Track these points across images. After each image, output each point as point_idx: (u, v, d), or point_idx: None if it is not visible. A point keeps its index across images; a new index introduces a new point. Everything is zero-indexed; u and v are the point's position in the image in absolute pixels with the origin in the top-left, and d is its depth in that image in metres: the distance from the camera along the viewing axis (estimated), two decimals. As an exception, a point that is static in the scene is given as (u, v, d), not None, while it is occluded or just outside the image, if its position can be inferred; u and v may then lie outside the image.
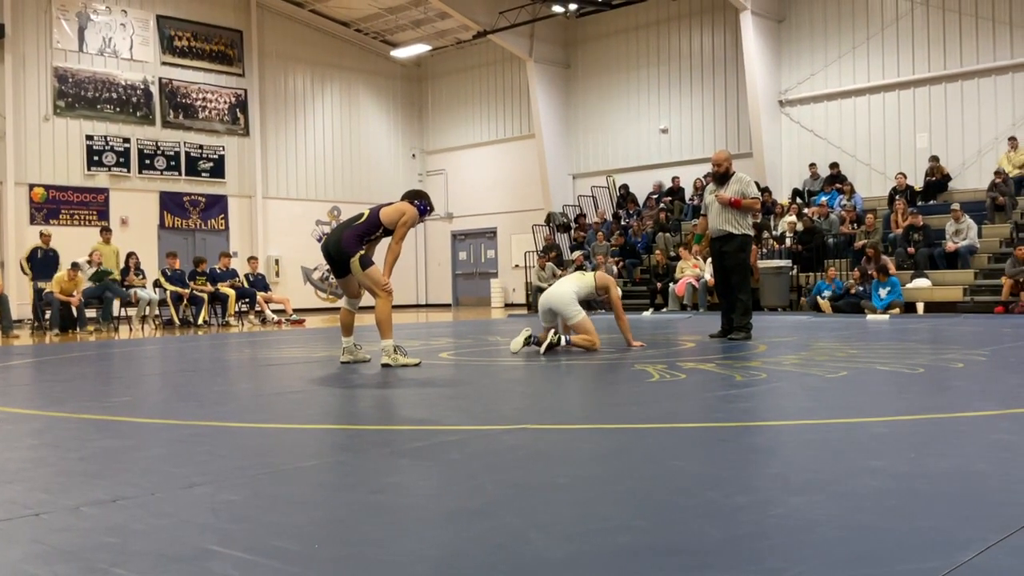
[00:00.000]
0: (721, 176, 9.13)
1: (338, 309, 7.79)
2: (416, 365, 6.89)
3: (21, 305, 17.24)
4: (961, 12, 17.70)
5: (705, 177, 20.53)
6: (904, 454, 3.23)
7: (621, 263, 19.64)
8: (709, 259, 17.27)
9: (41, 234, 16.64)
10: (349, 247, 6.95)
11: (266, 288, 18.31)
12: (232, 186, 23.30)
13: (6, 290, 14.90)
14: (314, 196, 25.06)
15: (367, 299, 7.27)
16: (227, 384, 6.44)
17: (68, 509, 2.63)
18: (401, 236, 6.99)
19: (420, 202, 7.20)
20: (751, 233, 9.21)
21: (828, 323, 12.34)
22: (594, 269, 17.80)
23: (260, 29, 23.89)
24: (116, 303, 16.04)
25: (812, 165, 19.36)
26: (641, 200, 22.16)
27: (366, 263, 6.96)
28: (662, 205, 20.90)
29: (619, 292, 8.15)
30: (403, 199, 7.24)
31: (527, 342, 7.78)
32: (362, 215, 7.16)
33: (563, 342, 7.65)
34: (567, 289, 7.83)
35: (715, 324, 9.66)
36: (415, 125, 27.62)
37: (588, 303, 8.15)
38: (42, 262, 15.83)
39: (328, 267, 7.56)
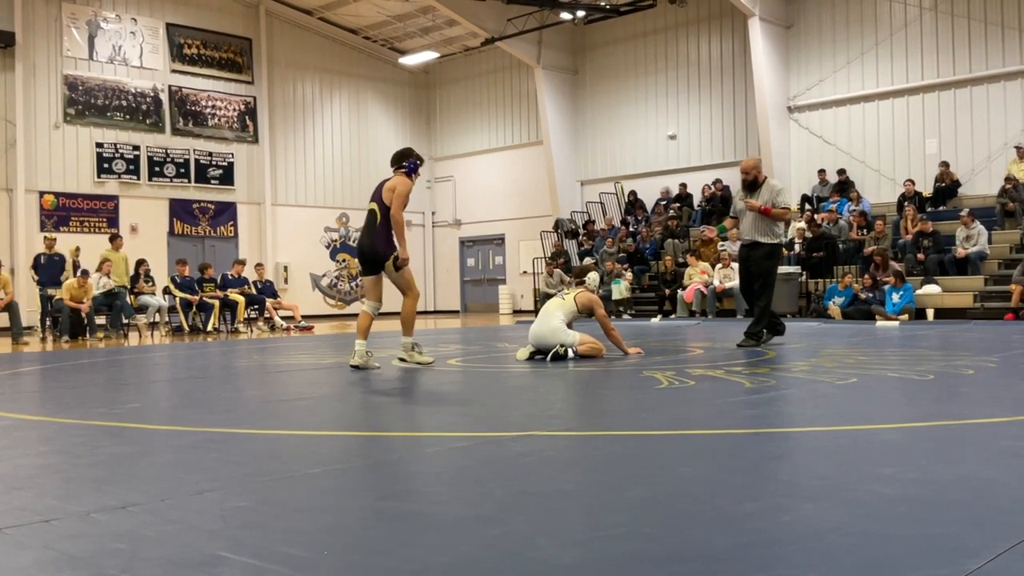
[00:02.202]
0: (751, 183, 9.00)
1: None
2: (430, 363, 7.10)
3: (30, 312, 17.31)
4: (970, 17, 17.66)
5: (714, 183, 20.59)
6: (914, 461, 3.22)
7: (629, 269, 19.63)
8: (719, 265, 17.26)
9: (45, 239, 16.73)
10: (384, 248, 7.20)
11: (274, 295, 18.36)
12: (241, 193, 23.36)
13: (15, 297, 14.95)
14: (323, 203, 25.10)
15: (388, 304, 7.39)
16: (236, 391, 6.45)
17: (78, 515, 2.64)
18: (398, 206, 7.16)
19: (408, 162, 7.42)
20: (780, 242, 9.14)
21: (838, 329, 12.31)
22: (604, 276, 17.79)
23: (269, 37, 23.98)
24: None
25: (821, 171, 19.31)
26: (649, 206, 22.15)
27: (399, 266, 7.21)
28: (671, 212, 20.89)
29: (603, 311, 8.11)
30: (392, 164, 7.44)
31: (532, 355, 7.79)
32: (375, 212, 7.28)
33: (570, 353, 7.64)
34: (554, 324, 7.74)
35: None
36: (423, 132, 27.66)
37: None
38: (47, 267, 15.89)
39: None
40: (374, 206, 7.30)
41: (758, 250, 8.87)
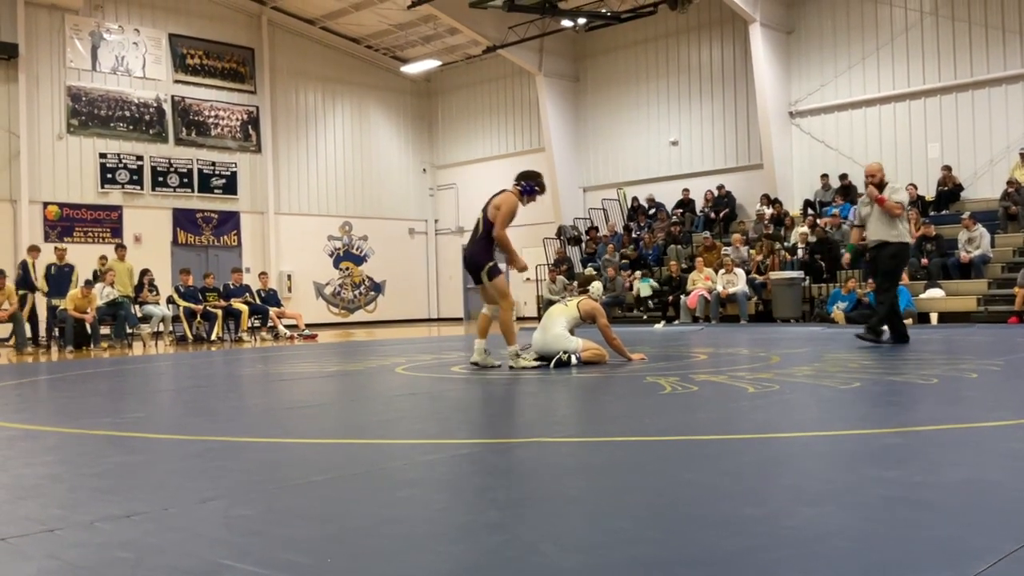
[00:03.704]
0: (876, 186, 9.21)
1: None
2: (536, 367, 7.46)
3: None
4: (971, 22, 17.67)
5: (718, 188, 20.59)
6: (918, 465, 3.22)
7: (632, 276, 19.62)
8: (722, 271, 17.23)
9: (56, 249, 16.76)
10: (480, 258, 7.59)
11: (278, 303, 18.37)
12: (244, 202, 23.41)
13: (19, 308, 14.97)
14: (326, 212, 25.15)
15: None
16: (240, 399, 6.46)
17: (82, 525, 2.64)
18: (500, 224, 7.45)
19: (525, 183, 7.71)
20: (907, 241, 9.28)
21: (841, 334, 12.28)
22: (607, 283, 17.80)
23: (271, 46, 24.04)
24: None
25: (823, 176, 19.31)
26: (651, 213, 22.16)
27: (494, 273, 7.53)
28: (674, 217, 20.91)
29: (606, 320, 8.14)
30: (515, 178, 7.76)
31: (536, 361, 7.80)
32: (479, 223, 7.65)
33: (574, 360, 7.65)
34: (557, 331, 7.79)
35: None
36: (425, 140, 27.71)
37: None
38: (56, 278, 15.88)
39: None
40: (480, 216, 7.69)
41: (885, 250, 9.09)
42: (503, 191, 7.73)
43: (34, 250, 16.20)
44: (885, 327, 9.10)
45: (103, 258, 16.89)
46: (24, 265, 15.89)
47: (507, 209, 7.49)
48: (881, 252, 9.14)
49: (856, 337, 9.18)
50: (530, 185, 7.70)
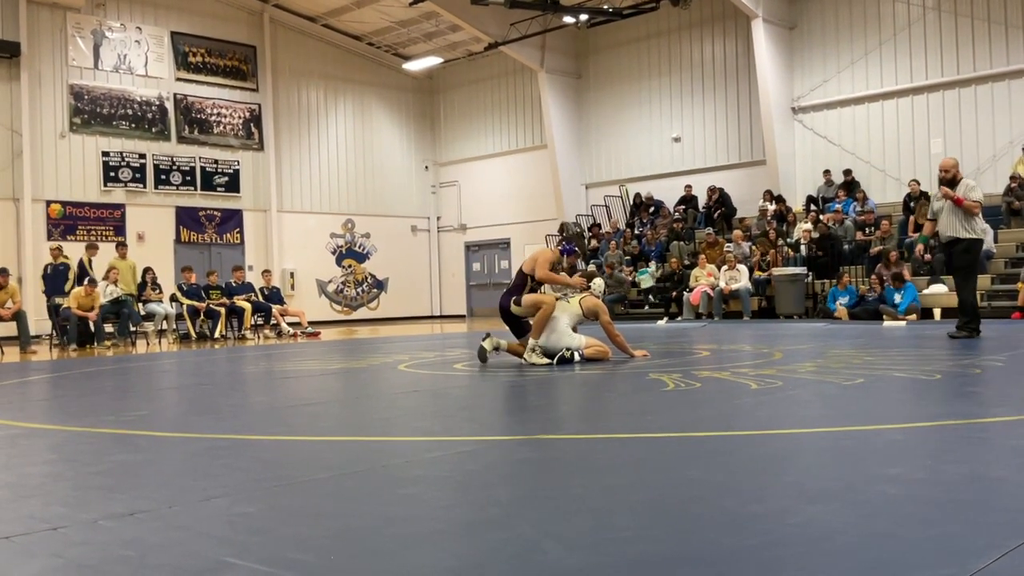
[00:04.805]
0: (949, 182, 9.37)
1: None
2: (548, 364, 7.52)
3: (38, 321, 17.36)
4: (973, 17, 17.63)
5: (712, 192, 20.59)
6: (921, 461, 3.22)
7: (634, 272, 19.62)
8: (725, 267, 17.22)
9: (51, 249, 16.78)
10: (505, 302, 8.00)
11: (281, 301, 18.38)
12: (247, 200, 23.41)
13: (23, 306, 15.00)
14: (328, 209, 25.15)
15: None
16: (243, 397, 6.47)
17: (86, 523, 2.65)
18: (542, 267, 7.87)
19: (566, 244, 8.45)
20: (978, 237, 9.44)
21: (844, 330, 12.28)
22: (608, 280, 17.79)
23: (273, 44, 24.03)
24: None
25: (826, 172, 19.29)
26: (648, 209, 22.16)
27: (519, 301, 7.89)
28: (676, 214, 20.90)
29: (608, 317, 8.14)
30: (556, 244, 8.07)
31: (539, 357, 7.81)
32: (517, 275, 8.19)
33: (577, 356, 7.66)
34: (560, 328, 7.80)
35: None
36: (427, 137, 27.70)
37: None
38: (52, 277, 15.93)
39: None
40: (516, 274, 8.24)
41: (957, 246, 9.30)
42: (536, 251, 8.34)
43: (92, 248, 16.38)
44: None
45: (89, 249, 16.77)
46: (81, 264, 16.01)
47: (545, 257, 7.99)
48: (953, 248, 9.34)
49: (949, 336, 9.27)
50: (570, 246, 8.46)
